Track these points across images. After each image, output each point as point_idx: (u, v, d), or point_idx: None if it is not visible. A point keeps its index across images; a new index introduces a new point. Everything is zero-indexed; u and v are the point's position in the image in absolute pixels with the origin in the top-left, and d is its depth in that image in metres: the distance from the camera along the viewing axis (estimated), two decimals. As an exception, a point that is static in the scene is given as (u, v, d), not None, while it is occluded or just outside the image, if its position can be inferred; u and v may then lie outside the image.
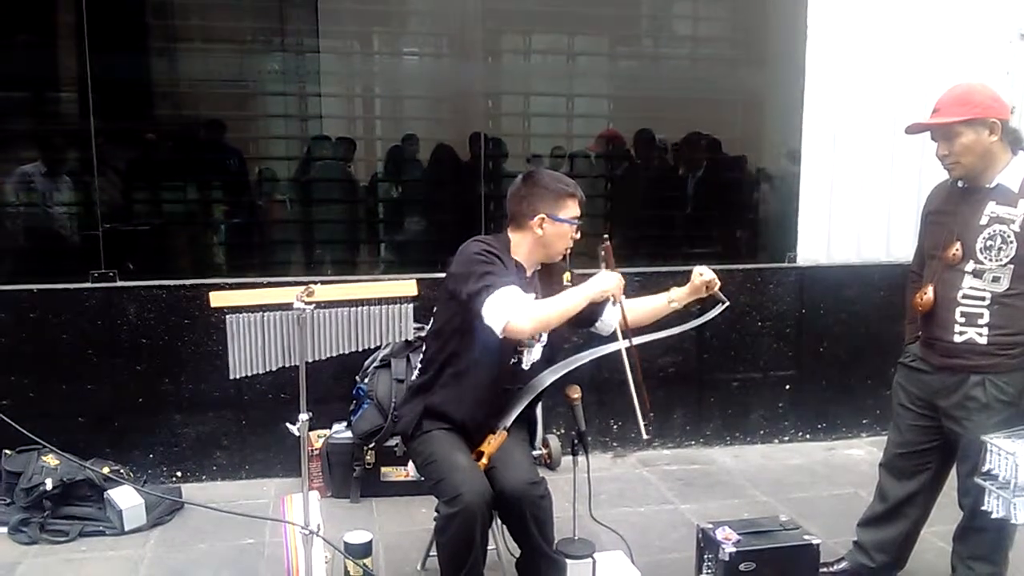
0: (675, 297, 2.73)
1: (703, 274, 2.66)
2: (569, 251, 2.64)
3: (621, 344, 2.55)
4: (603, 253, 2.57)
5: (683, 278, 4.13)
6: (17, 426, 2.37)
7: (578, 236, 2.63)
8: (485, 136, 4.25)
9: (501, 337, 2.42)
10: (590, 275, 2.55)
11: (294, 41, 4.13)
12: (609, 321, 2.75)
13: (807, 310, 4.48)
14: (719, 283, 2.68)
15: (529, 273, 2.63)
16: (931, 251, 2.69)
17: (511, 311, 2.39)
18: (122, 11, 3.86)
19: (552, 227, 2.57)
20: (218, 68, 4.06)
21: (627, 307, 2.75)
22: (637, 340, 2.61)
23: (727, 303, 2.72)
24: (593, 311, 2.72)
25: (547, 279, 2.67)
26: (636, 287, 4.15)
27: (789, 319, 4.47)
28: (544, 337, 2.66)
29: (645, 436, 2.54)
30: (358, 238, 4.43)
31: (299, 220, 4.28)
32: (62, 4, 3.76)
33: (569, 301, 2.48)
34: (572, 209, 2.60)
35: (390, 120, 4.45)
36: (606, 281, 2.50)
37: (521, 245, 2.62)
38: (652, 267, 4.27)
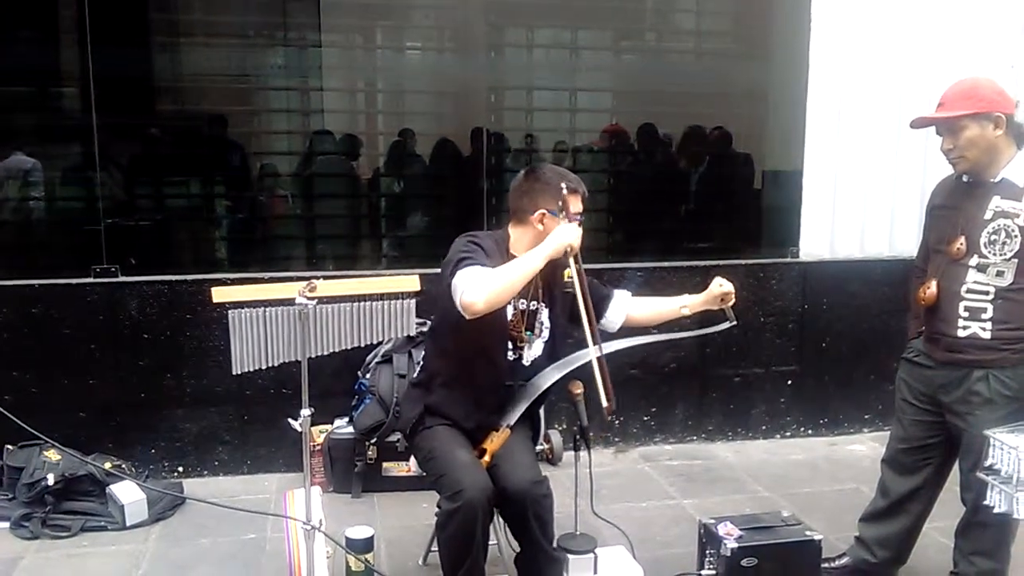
0: (688, 304, 2.69)
1: (723, 285, 2.61)
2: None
3: (584, 326, 2.42)
4: (560, 203, 2.50)
5: (686, 273, 4.20)
6: (19, 421, 2.37)
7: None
8: (487, 131, 4.25)
9: (467, 317, 2.36)
10: (593, 269, 2.53)
11: (296, 36, 4.13)
12: (614, 318, 2.73)
13: (810, 305, 4.47)
14: (734, 299, 2.64)
15: None
16: (935, 245, 2.68)
17: (464, 287, 2.34)
18: (124, 6, 3.86)
19: (553, 223, 2.54)
20: (220, 63, 4.06)
21: (640, 305, 2.76)
22: (636, 340, 2.59)
23: (736, 323, 2.67)
24: (597, 307, 2.70)
25: (549, 275, 2.65)
26: (639, 281, 4.17)
27: (791, 314, 4.46)
28: (546, 333, 2.65)
29: (605, 403, 2.43)
30: (360, 233, 4.43)
31: (301, 215, 4.28)
32: (64, -2, 3.76)
33: (526, 264, 2.39)
34: (574, 205, 2.57)
35: (392, 115, 4.45)
36: (565, 234, 2.39)
37: (521, 240, 2.60)
38: (655, 262, 4.27)
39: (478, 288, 2.32)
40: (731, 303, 2.64)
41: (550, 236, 2.43)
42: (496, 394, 2.63)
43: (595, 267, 2.63)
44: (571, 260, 2.43)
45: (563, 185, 2.51)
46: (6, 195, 3.85)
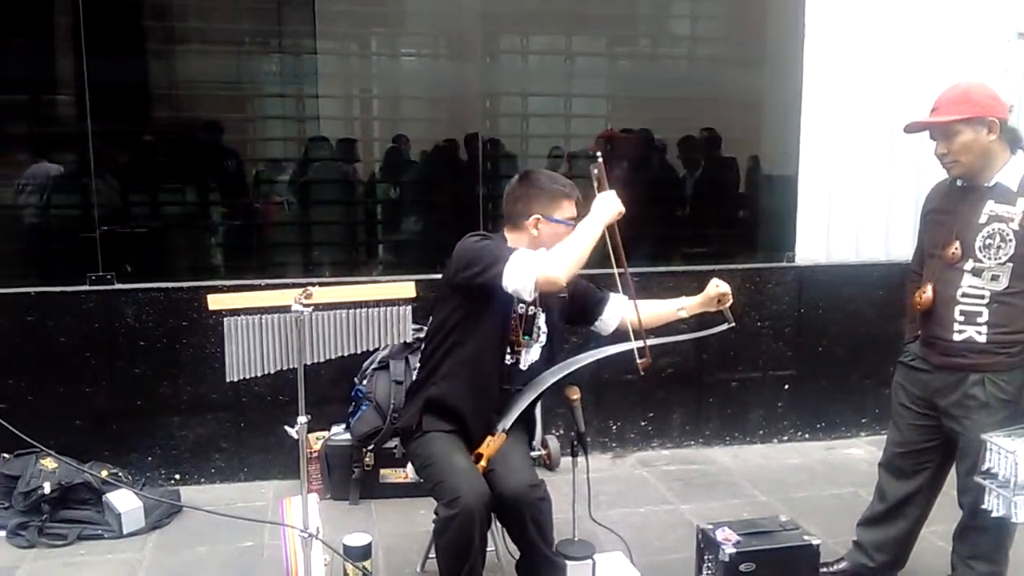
0: (685, 306, 2.71)
1: (719, 286, 2.64)
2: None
3: (615, 274, 2.53)
4: (596, 172, 2.51)
5: (682, 278, 4.20)
6: (15, 430, 2.36)
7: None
8: (483, 136, 4.25)
9: (534, 295, 2.39)
10: (589, 274, 2.53)
11: (291, 42, 4.13)
12: (609, 320, 2.74)
13: (806, 309, 4.47)
14: (731, 300, 2.65)
15: None
16: (930, 250, 2.69)
17: (536, 265, 2.37)
18: (119, 13, 3.86)
19: (547, 227, 2.56)
20: (215, 70, 4.05)
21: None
22: (635, 344, 2.60)
23: (733, 324, 2.69)
24: (592, 310, 2.71)
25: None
26: (636, 287, 4.14)
27: (788, 318, 4.47)
28: (543, 337, 2.66)
29: (639, 360, 2.48)
30: (356, 240, 4.43)
31: (297, 222, 4.27)
32: (59, 6, 3.75)
33: (588, 233, 2.42)
34: (568, 210, 2.59)
35: (388, 121, 4.45)
36: (612, 202, 2.45)
37: (517, 245, 2.60)
38: (651, 267, 4.28)
39: (552, 262, 2.37)
40: (728, 304, 2.65)
41: (597, 205, 2.46)
42: (494, 396, 2.62)
43: (591, 272, 2.62)
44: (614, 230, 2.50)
45: (597, 153, 2.54)
46: (3, 203, 3.84)
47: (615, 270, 2.51)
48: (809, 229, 4.45)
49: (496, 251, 2.45)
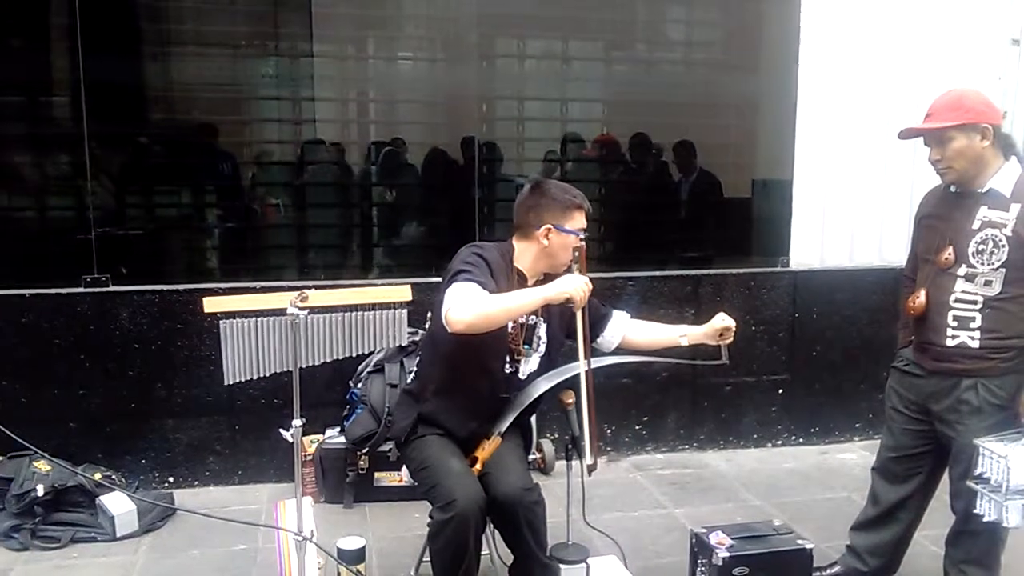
0: (688, 334, 2.71)
1: (725, 320, 2.64)
2: (573, 262, 2.62)
3: (581, 366, 2.50)
4: (576, 254, 2.54)
5: (676, 282, 4.21)
6: (8, 431, 2.35)
7: (583, 246, 2.59)
8: (478, 140, 4.25)
9: (447, 330, 2.38)
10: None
11: (288, 45, 4.13)
12: (611, 338, 2.74)
13: (800, 314, 4.49)
14: (732, 337, 2.66)
15: (531, 282, 2.62)
16: (924, 255, 2.70)
17: (455, 302, 2.36)
18: (116, 15, 3.85)
19: (558, 238, 2.57)
20: (212, 72, 4.05)
21: (638, 328, 2.78)
22: (626, 358, 2.60)
23: (726, 362, 2.69)
24: (594, 327, 2.71)
25: None
26: (630, 291, 4.19)
27: (782, 323, 4.48)
28: (542, 347, 2.66)
29: (589, 462, 2.49)
30: (352, 243, 4.43)
31: (293, 225, 4.27)
32: (56, 8, 3.75)
33: (521, 299, 2.40)
34: (579, 221, 2.59)
35: (384, 124, 4.45)
36: (568, 283, 2.40)
37: (525, 254, 2.62)
38: (646, 271, 4.28)
39: (467, 308, 2.33)
40: (729, 341, 2.66)
41: (557, 281, 2.44)
42: (491, 405, 2.63)
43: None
44: (578, 312, 2.47)
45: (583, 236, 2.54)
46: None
47: (581, 368, 2.51)
48: (804, 234, 4.46)
49: (460, 275, 2.44)
